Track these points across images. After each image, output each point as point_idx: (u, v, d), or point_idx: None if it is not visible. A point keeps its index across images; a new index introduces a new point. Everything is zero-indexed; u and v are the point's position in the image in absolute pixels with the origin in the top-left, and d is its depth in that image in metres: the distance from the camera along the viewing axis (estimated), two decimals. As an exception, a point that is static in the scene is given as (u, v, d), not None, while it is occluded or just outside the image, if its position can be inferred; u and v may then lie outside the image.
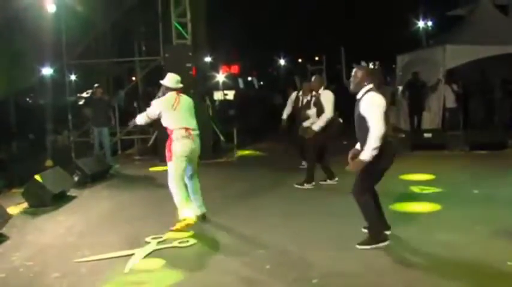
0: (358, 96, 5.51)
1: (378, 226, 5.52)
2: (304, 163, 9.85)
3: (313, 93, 8.98)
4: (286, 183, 9.25)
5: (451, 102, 15.52)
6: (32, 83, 16.55)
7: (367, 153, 5.22)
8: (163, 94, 7.05)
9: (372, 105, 5.32)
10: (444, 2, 23.78)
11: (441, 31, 23.85)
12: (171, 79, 7.04)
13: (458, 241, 5.64)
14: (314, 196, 8.30)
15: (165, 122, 6.86)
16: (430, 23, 30.52)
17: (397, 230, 5.84)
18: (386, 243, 5.43)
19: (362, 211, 5.50)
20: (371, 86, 5.45)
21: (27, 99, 19.85)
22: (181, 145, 6.65)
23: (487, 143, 11.94)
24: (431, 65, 15.61)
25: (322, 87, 8.93)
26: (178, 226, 6.51)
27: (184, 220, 6.52)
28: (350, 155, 5.58)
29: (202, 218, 6.95)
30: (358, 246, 5.41)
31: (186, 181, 6.94)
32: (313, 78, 9.25)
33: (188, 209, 6.60)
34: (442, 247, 5.45)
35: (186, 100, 7.03)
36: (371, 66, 5.72)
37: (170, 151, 6.65)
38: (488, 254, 5.18)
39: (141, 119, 7.22)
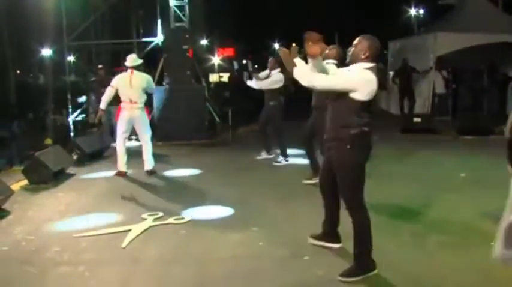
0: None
1: (370, 251, 4.38)
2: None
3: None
4: (281, 164, 9.53)
5: (440, 88, 15.85)
6: (31, 62, 16.63)
7: (298, 68, 4.35)
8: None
9: (349, 71, 4.34)
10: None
11: (432, 19, 23.95)
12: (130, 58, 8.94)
13: (444, 223, 5.82)
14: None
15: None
16: (421, 11, 30.62)
17: (382, 210, 5.99)
18: (375, 272, 4.36)
19: (357, 232, 4.39)
20: (370, 65, 4.29)
21: (28, 79, 19.88)
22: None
23: (474, 129, 12.24)
24: (422, 51, 15.87)
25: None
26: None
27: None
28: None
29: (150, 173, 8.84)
30: (341, 278, 4.28)
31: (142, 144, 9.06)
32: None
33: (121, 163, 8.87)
34: (428, 228, 5.64)
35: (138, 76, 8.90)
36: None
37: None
38: (473, 234, 5.36)
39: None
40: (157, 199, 7.30)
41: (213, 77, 25.28)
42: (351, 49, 4.36)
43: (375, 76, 4.22)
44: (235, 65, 19.54)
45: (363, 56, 4.27)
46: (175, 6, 14.17)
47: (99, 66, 13.03)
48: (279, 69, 9.51)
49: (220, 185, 8.10)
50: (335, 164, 4.45)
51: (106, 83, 12.34)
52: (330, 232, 4.97)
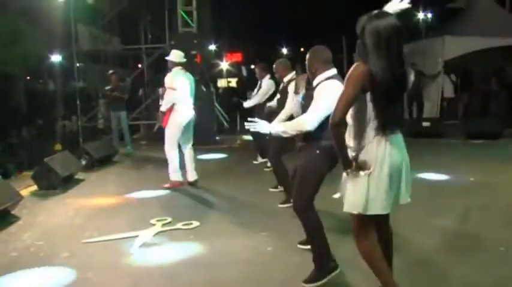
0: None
1: (327, 253, 4.41)
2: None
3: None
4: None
5: (449, 93, 15.81)
6: (41, 69, 16.76)
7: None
8: (171, 69, 8.09)
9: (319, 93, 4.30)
10: (444, -6, 23.84)
11: (440, 23, 23.91)
12: (176, 54, 8.15)
13: (454, 227, 5.79)
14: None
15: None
16: (429, 15, 30.59)
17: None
18: (338, 271, 4.40)
19: (308, 235, 4.53)
20: (328, 73, 4.36)
21: (38, 85, 20.01)
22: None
23: (483, 133, 12.19)
24: (430, 55, 15.81)
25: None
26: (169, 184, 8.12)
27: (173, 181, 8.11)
28: None
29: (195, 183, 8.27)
30: (305, 285, 4.25)
31: (184, 150, 8.20)
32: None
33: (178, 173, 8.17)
34: (438, 232, 5.60)
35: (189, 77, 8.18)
36: None
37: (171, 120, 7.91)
38: (482, 239, 5.32)
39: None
40: (166, 204, 7.31)
41: (221, 82, 25.38)
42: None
43: (338, 81, 4.20)
44: (244, 71, 19.69)
45: (314, 71, 4.35)
46: (183, 11, 14.24)
47: (111, 71, 12.97)
48: (268, 76, 9.45)
49: (229, 189, 8.12)
50: (299, 163, 4.52)
51: (119, 88, 12.37)
52: None
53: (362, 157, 3.34)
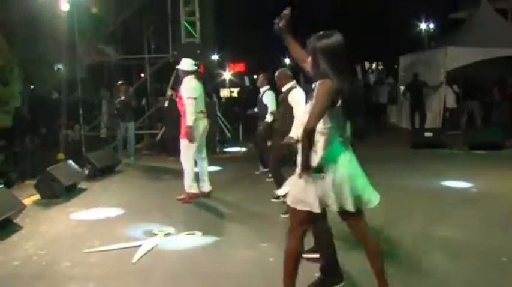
0: None
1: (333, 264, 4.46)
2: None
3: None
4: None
5: (451, 103, 15.83)
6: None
7: None
8: (182, 78, 7.96)
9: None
10: (446, 5, 23.96)
11: (443, 33, 24.00)
12: (187, 63, 7.94)
13: (456, 237, 5.78)
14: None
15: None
16: (432, 26, 30.72)
17: (397, 224, 6.02)
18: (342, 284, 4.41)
19: (315, 244, 4.72)
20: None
21: (42, 94, 20.02)
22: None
23: (485, 143, 12.20)
24: (432, 66, 15.88)
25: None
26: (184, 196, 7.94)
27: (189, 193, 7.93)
28: None
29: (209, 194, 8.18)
30: None
31: (198, 161, 8.03)
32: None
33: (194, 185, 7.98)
34: (439, 241, 5.62)
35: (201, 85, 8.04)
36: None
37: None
38: (484, 249, 5.33)
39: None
40: (168, 214, 7.31)
41: (224, 92, 25.42)
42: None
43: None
44: (246, 81, 19.71)
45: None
46: (187, 21, 14.31)
47: (120, 82, 12.83)
48: (268, 87, 9.43)
49: (231, 199, 8.12)
50: None
51: (129, 98, 12.27)
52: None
53: (320, 161, 3.63)
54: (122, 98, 12.13)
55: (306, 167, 3.62)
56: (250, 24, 32.94)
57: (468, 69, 14.58)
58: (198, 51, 13.38)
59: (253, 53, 36.00)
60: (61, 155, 11.99)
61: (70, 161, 9.60)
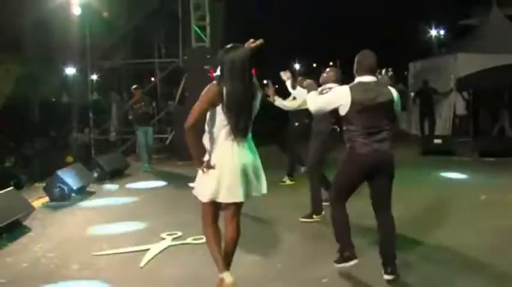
0: None
1: (343, 246, 4.83)
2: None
3: None
4: (297, 186, 9.44)
5: (461, 109, 15.73)
6: (58, 83, 16.94)
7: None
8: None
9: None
10: (456, 12, 23.89)
11: (453, 40, 23.93)
12: None
13: (463, 245, 5.72)
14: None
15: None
16: (442, 32, 30.63)
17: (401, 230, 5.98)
18: (354, 262, 4.75)
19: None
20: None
21: (53, 98, 20.15)
22: None
23: (495, 150, 12.12)
24: (442, 72, 15.84)
25: None
26: None
27: None
28: None
29: None
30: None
31: None
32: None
33: None
34: (447, 249, 5.58)
35: None
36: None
37: None
38: (492, 259, 5.28)
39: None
40: (177, 218, 7.29)
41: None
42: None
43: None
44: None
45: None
46: (197, 26, 14.33)
47: (135, 86, 12.46)
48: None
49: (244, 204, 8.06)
50: None
51: (145, 103, 12.10)
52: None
53: (212, 157, 4.12)
54: (142, 104, 11.84)
55: (198, 162, 4.13)
56: (261, 29, 33.09)
57: (478, 76, 14.49)
58: (208, 56, 13.39)
59: (263, 57, 36.13)
60: (70, 158, 12.03)
61: (79, 164, 9.64)
